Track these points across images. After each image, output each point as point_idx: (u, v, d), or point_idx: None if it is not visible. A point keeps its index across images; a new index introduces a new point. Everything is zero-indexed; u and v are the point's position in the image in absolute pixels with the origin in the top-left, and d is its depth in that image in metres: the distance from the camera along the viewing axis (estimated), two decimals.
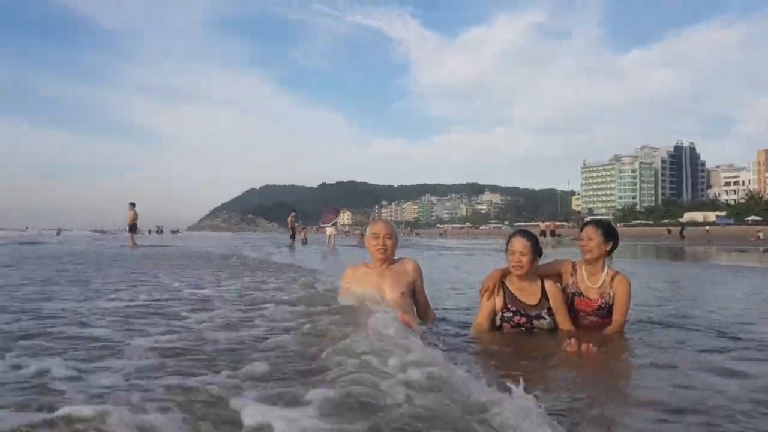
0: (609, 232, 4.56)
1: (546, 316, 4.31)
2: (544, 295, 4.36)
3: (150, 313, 5.09)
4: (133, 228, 24.51)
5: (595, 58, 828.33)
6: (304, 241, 32.41)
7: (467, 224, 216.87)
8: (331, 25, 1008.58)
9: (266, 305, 5.37)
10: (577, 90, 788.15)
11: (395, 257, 4.89)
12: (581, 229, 4.64)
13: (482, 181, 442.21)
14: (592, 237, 4.51)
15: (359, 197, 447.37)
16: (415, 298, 4.79)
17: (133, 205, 24.84)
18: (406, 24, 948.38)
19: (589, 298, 4.51)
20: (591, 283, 4.54)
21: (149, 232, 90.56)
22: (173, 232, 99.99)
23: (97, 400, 2.43)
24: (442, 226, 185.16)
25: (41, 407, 2.32)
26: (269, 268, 11.54)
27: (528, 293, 4.37)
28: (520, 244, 4.30)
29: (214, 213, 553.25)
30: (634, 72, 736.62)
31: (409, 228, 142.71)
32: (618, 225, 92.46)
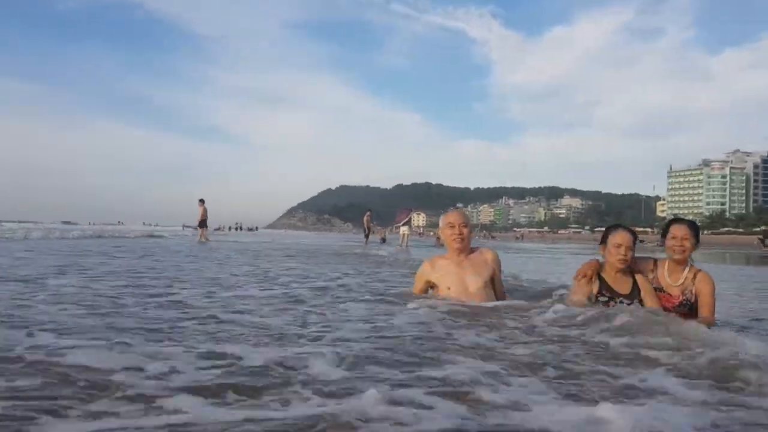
0: (698, 231, 4.58)
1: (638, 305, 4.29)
2: (635, 287, 4.37)
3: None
4: (203, 223, 24.67)
5: (684, 60, 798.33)
6: (383, 240, 32.53)
7: (545, 228, 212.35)
8: (412, 26, 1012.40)
9: None
10: (664, 92, 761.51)
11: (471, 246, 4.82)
12: (667, 228, 4.60)
13: (562, 185, 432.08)
14: (687, 237, 4.46)
15: (434, 199, 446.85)
16: (494, 286, 4.71)
17: (202, 201, 25.29)
18: (487, 24, 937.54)
19: (670, 294, 4.48)
20: (672, 281, 4.51)
21: (229, 229, 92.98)
22: (250, 229, 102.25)
23: None
24: (518, 229, 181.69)
25: None
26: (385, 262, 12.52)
27: (621, 283, 4.37)
28: (625, 237, 4.35)
29: (291, 212, 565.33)
30: (726, 74, 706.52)
31: (484, 231, 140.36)
32: (704, 232, 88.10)
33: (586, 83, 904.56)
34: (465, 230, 4.69)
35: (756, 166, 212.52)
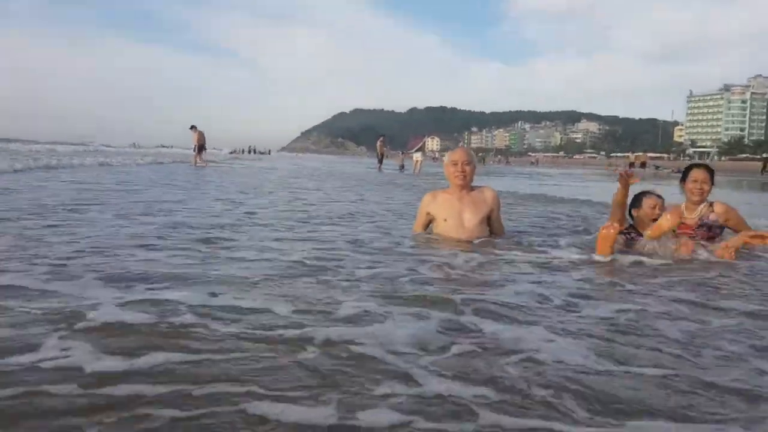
0: (713, 175, 4.99)
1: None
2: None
3: None
4: (200, 149, 24.71)
5: None
6: (402, 168, 31.54)
7: (561, 153, 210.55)
8: None
9: None
10: (686, 15, 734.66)
11: (474, 184, 5.03)
12: (687, 172, 5.02)
13: (579, 109, 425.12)
14: (706, 181, 4.92)
15: (449, 123, 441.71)
16: (491, 226, 4.99)
17: (194, 127, 24.84)
18: None
19: (687, 224, 4.94)
20: (688, 214, 5.00)
21: (243, 152, 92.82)
22: (260, 153, 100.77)
23: None
24: (533, 154, 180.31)
25: None
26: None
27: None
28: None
29: (305, 135, 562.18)
30: None
31: (499, 156, 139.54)
32: (723, 159, 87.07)
33: (607, 5, 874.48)
34: (467, 168, 4.84)
35: None
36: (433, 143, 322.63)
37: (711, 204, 4.98)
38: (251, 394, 1.69)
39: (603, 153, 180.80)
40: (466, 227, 4.81)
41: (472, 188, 5.00)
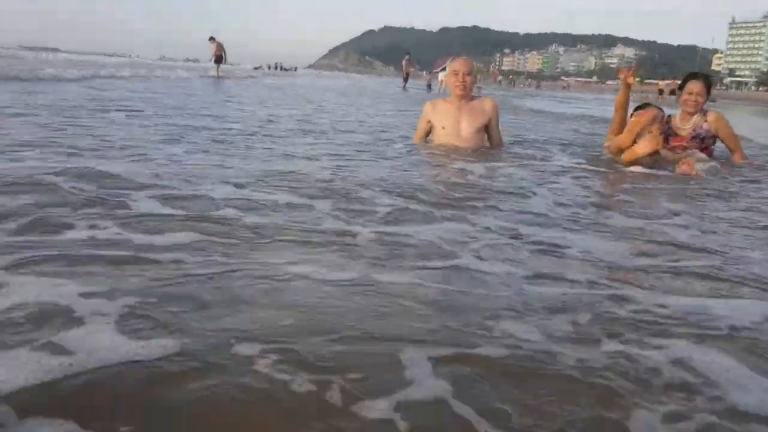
0: (710, 87, 5.10)
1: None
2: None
3: None
4: (219, 59, 24.88)
5: None
6: (429, 87, 31.08)
7: (594, 78, 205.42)
8: None
9: None
10: None
11: (475, 95, 5.22)
12: (684, 83, 5.10)
13: (616, 33, 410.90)
14: (702, 93, 5.00)
15: (480, 44, 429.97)
16: (489, 134, 5.19)
17: (212, 39, 25.01)
18: None
19: (681, 136, 5.06)
20: (682, 125, 5.10)
21: (268, 68, 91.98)
22: (286, 69, 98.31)
23: None
24: (565, 78, 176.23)
25: None
26: None
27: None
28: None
29: (332, 53, 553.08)
30: None
31: (528, 80, 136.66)
32: (760, 89, 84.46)
33: None
34: (468, 78, 4.96)
35: None
36: None
37: (705, 113, 5.08)
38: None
39: (638, 79, 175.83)
40: (463, 136, 4.99)
41: (473, 98, 5.14)
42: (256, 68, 73.45)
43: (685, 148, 4.98)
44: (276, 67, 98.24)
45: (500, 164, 4.40)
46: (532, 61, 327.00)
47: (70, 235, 2.02)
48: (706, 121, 5.04)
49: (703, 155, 4.91)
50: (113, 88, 11.57)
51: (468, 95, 5.07)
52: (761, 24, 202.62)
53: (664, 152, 4.78)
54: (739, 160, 5.15)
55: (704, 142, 5.05)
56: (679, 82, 5.38)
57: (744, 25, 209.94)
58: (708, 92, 5.04)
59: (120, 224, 2.17)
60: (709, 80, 5.13)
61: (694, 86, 5.00)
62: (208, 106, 8.56)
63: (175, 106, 8.13)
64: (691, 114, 5.07)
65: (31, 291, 1.49)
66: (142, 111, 7.05)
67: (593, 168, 4.54)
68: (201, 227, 2.20)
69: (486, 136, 5.19)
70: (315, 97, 14.26)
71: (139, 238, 2.03)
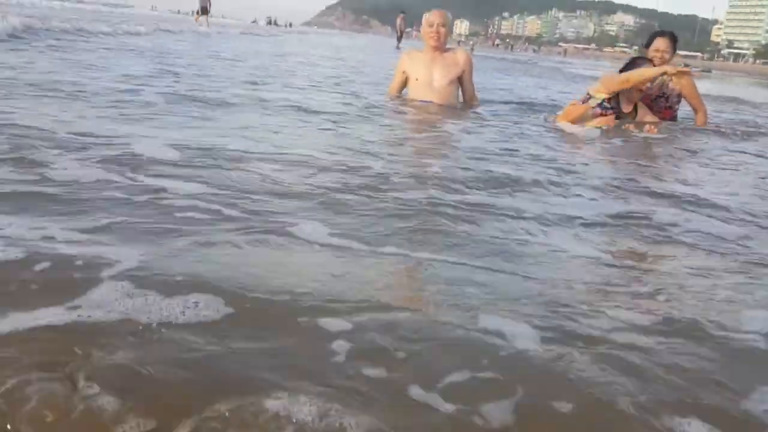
0: (676, 43, 5.21)
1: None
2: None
3: None
4: (204, 11, 26.08)
5: None
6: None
7: (592, 45, 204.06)
8: None
9: None
10: None
11: (449, 46, 5.32)
12: (651, 39, 5.17)
13: (616, 0, 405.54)
14: (667, 50, 5.07)
15: (480, 6, 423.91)
16: (462, 87, 5.29)
17: None
18: None
19: (647, 94, 5.09)
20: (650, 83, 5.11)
21: (267, 23, 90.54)
22: (277, 25, 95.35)
23: None
24: (563, 44, 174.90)
25: None
26: None
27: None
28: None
29: (329, 10, 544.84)
30: None
31: (526, 44, 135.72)
32: (757, 62, 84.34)
33: None
34: (442, 30, 5.06)
35: None
36: (461, 27, 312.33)
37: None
38: None
39: (636, 48, 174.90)
40: (435, 87, 5.08)
41: (447, 50, 5.24)
42: (252, 22, 72.59)
43: (649, 106, 5.12)
44: (270, 23, 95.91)
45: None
46: (532, 26, 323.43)
47: None
48: (671, 80, 5.18)
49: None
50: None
51: (442, 47, 5.15)
52: None
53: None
54: (702, 119, 5.36)
55: (668, 101, 5.24)
56: (683, 53, 5.50)
57: None
58: (674, 49, 5.16)
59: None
60: (675, 37, 5.26)
61: (661, 43, 5.09)
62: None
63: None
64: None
65: None
66: None
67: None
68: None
69: (460, 88, 5.30)
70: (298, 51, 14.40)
71: None
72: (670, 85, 5.20)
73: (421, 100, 5.10)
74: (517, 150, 3.53)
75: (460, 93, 5.38)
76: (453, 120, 4.49)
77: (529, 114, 5.46)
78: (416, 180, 2.57)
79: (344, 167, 2.68)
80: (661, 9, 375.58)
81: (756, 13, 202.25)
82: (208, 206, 1.95)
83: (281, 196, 2.17)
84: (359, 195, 2.25)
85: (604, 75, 5.04)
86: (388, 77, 6.71)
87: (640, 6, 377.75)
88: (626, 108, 4.86)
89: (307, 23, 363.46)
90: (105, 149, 2.55)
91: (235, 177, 2.34)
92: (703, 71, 52.21)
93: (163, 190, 2.08)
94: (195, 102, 4.19)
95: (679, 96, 5.29)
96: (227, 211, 1.92)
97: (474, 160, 3.12)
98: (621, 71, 4.99)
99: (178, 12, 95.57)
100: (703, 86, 6.43)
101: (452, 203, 2.26)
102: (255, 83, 5.93)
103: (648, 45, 5.22)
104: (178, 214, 1.85)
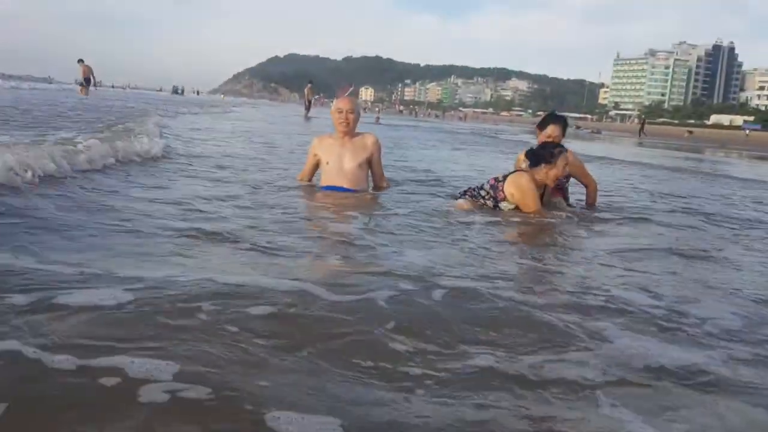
0: (566, 128, 5.38)
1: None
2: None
3: None
4: (87, 81, 27.01)
5: None
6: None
7: (489, 110, 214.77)
8: None
9: None
10: None
11: (359, 131, 5.50)
12: (545, 123, 5.32)
13: (510, 67, 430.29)
14: (559, 136, 5.23)
15: (384, 74, 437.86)
16: (372, 170, 5.55)
17: (81, 61, 26.81)
18: None
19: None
20: None
21: (173, 92, 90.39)
22: (179, 92, 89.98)
23: None
24: (463, 109, 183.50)
25: None
26: None
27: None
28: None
29: (237, 78, 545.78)
30: None
31: (429, 110, 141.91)
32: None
33: None
34: (351, 116, 5.27)
35: (699, 59, 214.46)
36: (367, 94, 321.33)
37: None
38: None
39: (530, 111, 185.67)
40: (346, 170, 5.27)
41: (356, 135, 5.43)
42: (158, 91, 72.53)
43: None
44: (176, 91, 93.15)
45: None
46: (433, 92, 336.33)
47: None
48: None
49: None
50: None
51: (351, 132, 5.37)
52: (643, 61, 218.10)
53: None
54: (593, 194, 5.56)
55: (559, 183, 5.28)
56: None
57: (627, 61, 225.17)
58: (564, 133, 5.31)
59: None
60: (566, 123, 5.44)
61: (554, 130, 5.24)
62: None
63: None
64: None
65: None
66: None
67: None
68: None
69: (369, 171, 5.52)
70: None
71: None
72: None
73: (332, 186, 5.28)
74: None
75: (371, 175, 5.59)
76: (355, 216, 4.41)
77: (433, 197, 5.64)
78: None
79: None
80: (551, 74, 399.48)
81: (638, 77, 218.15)
82: None
83: None
84: None
85: (522, 182, 4.77)
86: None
87: (532, 72, 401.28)
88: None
89: (215, 90, 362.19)
90: None
91: None
92: (593, 132, 57.52)
93: None
94: None
95: (569, 176, 5.39)
96: None
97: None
98: (538, 126, 5.32)
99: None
100: (596, 147, 7.68)
101: None
102: None
103: (542, 127, 5.33)
104: None
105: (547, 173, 4.74)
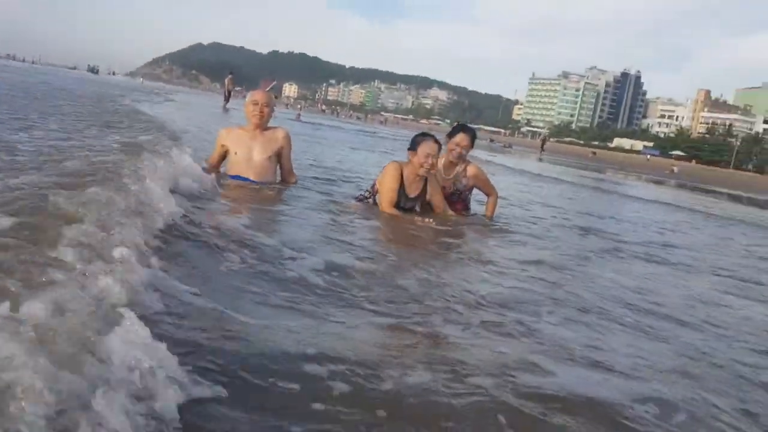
0: (474, 140, 5.35)
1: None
2: (425, 188, 5.02)
3: None
4: None
5: None
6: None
7: (410, 117, 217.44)
8: None
9: None
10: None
11: (272, 125, 5.52)
12: (455, 132, 5.29)
13: (432, 76, 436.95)
14: (467, 146, 5.25)
15: (309, 72, 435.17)
16: (281, 164, 5.54)
17: None
18: None
19: (443, 187, 5.26)
20: (446, 174, 5.35)
21: (88, 70, 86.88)
22: (95, 72, 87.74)
23: None
24: (385, 114, 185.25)
25: None
26: None
27: (415, 186, 4.98)
28: (434, 148, 4.81)
29: (157, 62, 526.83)
30: None
31: (351, 112, 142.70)
32: (551, 140, 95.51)
33: None
34: (266, 110, 5.29)
35: (608, 85, 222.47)
36: (290, 90, 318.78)
37: (466, 167, 5.34)
38: None
39: (448, 120, 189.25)
40: (254, 161, 5.23)
41: (268, 128, 5.42)
42: (72, 68, 69.26)
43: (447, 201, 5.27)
44: (92, 70, 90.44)
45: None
46: (356, 94, 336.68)
47: None
48: (465, 176, 5.35)
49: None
50: None
51: (264, 125, 5.37)
52: (556, 82, 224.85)
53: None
54: (492, 203, 5.57)
55: (461, 195, 5.42)
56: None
57: (542, 81, 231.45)
58: (472, 145, 5.29)
59: None
60: (475, 135, 5.38)
61: (462, 139, 5.21)
62: None
63: None
64: (455, 164, 5.32)
65: None
66: None
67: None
68: None
69: (278, 164, 5.49)
70: None
71: None
72: (464, 181, 5.38)
73: (239, 176, 5.22)
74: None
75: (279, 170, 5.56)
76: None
77: (336, 192, 5.75)
78: None
79: None
80: (471, 87, 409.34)
81: (550, 97, 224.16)
82: None
83: None
84: None
85: (385, 170, 4.91)
86: None
87: (453, 83, 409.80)
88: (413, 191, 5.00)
89: (133, 74, 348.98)
90: None
91: None
92: (505, 146, 59.94)
93: None
94: None
95: (471, 188, 5.49)
96: None
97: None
98: (448, 135, 5.29)
99: None
100: (509, 159, 8.21)
101: None
102: None
103: (452, 135, 5.27)
104: None
105: (411, 160, 4.82)
